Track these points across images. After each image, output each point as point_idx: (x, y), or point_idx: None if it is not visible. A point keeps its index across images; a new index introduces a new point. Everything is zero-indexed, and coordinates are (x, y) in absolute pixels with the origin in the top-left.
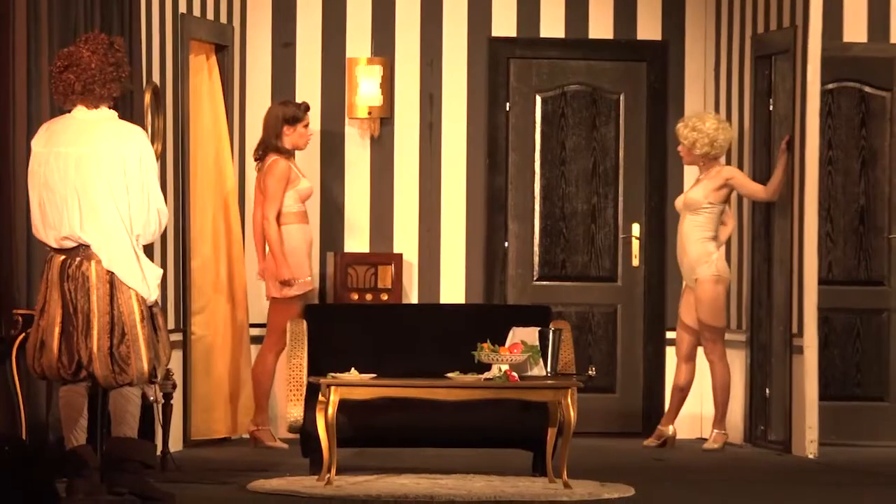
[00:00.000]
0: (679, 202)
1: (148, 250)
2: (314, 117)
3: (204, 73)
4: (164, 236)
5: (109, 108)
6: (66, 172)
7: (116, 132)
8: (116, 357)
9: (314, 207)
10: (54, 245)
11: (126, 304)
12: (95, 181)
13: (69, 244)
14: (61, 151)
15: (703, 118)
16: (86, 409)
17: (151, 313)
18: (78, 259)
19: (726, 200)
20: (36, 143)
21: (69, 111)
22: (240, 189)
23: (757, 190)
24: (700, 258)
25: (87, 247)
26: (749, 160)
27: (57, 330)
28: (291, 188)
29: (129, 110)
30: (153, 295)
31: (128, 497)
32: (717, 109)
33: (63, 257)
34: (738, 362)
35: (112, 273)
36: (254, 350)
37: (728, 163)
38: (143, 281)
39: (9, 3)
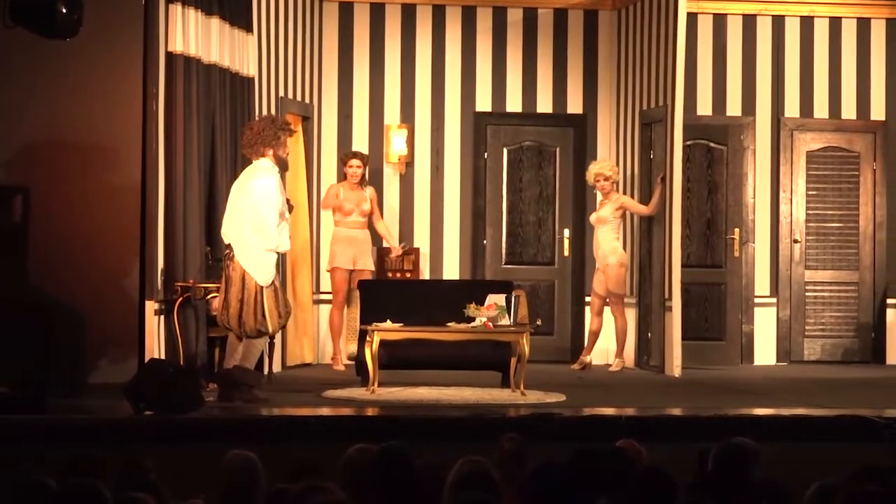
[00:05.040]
0: (593, 218)
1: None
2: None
3: (295, 135)
4: None
5: (271, 158)
6: (230, 198)
7: (258, 176)
8: (242, 318)
9: None
10: (225, 241)
11: (248, 284)
12: (239, 204)
13: (227, 241)
14: (234, 185)
15: (597, 164)
16: (240, 348)
17: (267, 292)
18: (231, 253)
19: (623, 216)
20: None
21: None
22: (317, 206)
23: (642, 209)
24: (611, 251)
25: (230, 245)
26: (638, 188)
27: (221, 297)
28: (336, 205)
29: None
30: (262, 280)
31: (239, 403)
32: (617, 159)
33: (227, 251)
34: (631, 316)
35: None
36: (326, 308)
37: (623, 191)
38: (259, 271)
39: (173, 96)
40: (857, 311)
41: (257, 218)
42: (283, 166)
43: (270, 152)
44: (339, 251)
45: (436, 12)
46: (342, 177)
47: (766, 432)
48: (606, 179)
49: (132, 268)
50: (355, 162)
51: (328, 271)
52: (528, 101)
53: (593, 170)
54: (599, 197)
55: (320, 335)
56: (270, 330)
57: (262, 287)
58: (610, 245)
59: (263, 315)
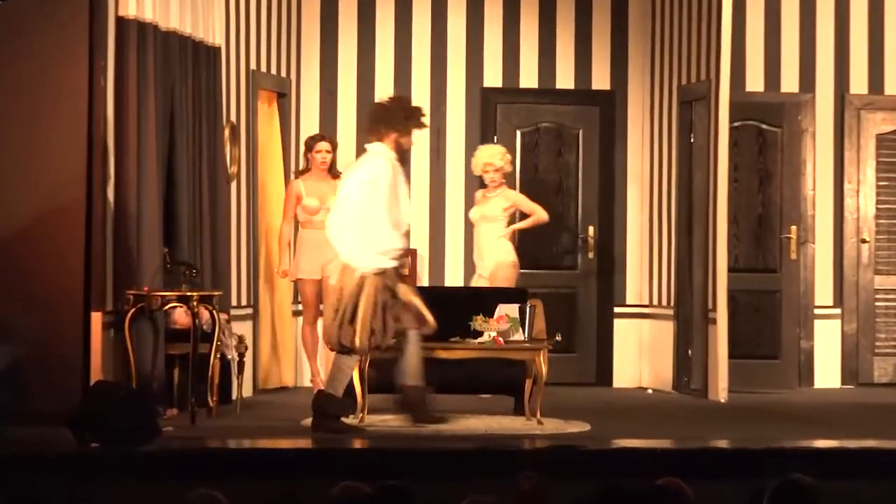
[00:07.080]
0: (475, 215)
1: (224, 243)
2: (349, 149)
3: (269, 114)
4: (239, 236)
5: (390, 143)
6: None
7: (365, 162)
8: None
9: None
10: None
11: (345, 290)
12: (341, 197)
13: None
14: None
15: (485, 149)
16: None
17: (366, 299)
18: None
19: (511, 216)
20: None
21: None
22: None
23: (538, 210)
24: (497, 250)
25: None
26: (676, 179)
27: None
28: (299, 204)
29: (213, 142)
30: (366, 263)
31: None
32: (651, 143)
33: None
34: (667, 330)
35: None
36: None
37: (656, 178)
38: (361, 256)
39: (125, 68)
40: None
41: (360, 214)
42: (401, 157)
43: (393, 136)
44: (305, 258)
45: None
46: (307, 165)
47: (829, 467)
48: (497, 170)
49: (75, 273)
50: (324, 145)
51: (292, 282)
52: (546, 75)
53: (482, 157)
54: (630, 186)
55: (299, 354)
56: (358, 346)
57: (359, 293)
58: (495, 244)
59: (352, 326)
